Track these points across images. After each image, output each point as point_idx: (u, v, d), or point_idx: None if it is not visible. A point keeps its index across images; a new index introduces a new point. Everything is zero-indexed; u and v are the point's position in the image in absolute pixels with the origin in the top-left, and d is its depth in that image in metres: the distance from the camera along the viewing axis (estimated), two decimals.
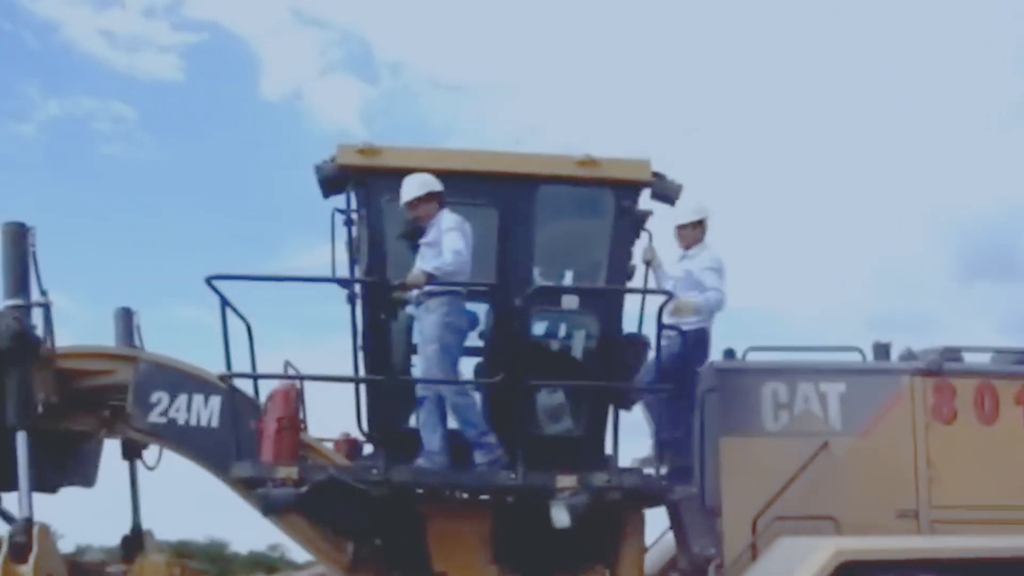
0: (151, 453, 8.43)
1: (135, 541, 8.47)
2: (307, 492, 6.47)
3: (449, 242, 6.96)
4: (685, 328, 7.62)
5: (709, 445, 7.51)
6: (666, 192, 7.52)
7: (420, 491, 7.03)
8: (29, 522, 6.85)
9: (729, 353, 8.08)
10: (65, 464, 8.06)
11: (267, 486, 6.58)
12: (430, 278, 6.86)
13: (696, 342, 7.67)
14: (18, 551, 6.71)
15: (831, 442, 7.45)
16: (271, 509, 6.61)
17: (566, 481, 6.72)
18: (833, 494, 7.32)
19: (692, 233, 7.95)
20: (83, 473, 8.31)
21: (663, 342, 7.21)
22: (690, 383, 7.38)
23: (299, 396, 7.05)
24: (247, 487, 6.88)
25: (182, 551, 16.56)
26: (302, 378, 7.10)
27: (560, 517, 6.58)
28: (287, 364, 7.59)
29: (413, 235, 7.25)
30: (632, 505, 7.32)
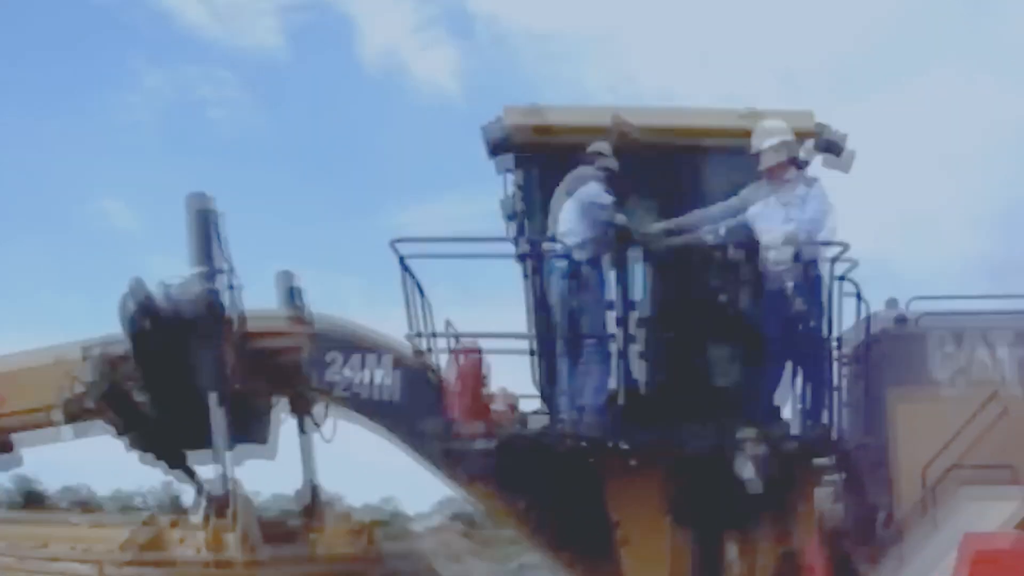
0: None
1: (310, 497, 8.78)
2: (496, 448, 6.65)
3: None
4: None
5: (876, 397, 7.54)
6: (832, 144, 7.46)
7: (602, 447, 7.16)
8: (227, 479, 7.14)
9: (892, 303, 8.07)
10: (241, 423, 8.38)
11: (456, 443, 6.76)
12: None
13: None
14: (218, 507, 7.01)
15: (1002, 391, 7.41)
16: (461, 464, 6.81)
17: (746, 433, 6.80)
18: (1007, 444, 7.27)
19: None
20: (258, 431, 8.62)
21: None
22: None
23: (482, 356, 7.22)
24: (436, 443, 7.07)
25: None
26: (481, 336, 7.26)
27: (744, 469, 6.67)
28: (447, 323, 7.78)
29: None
30: (805, 457, 7.37)
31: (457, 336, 7.39)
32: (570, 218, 7.07)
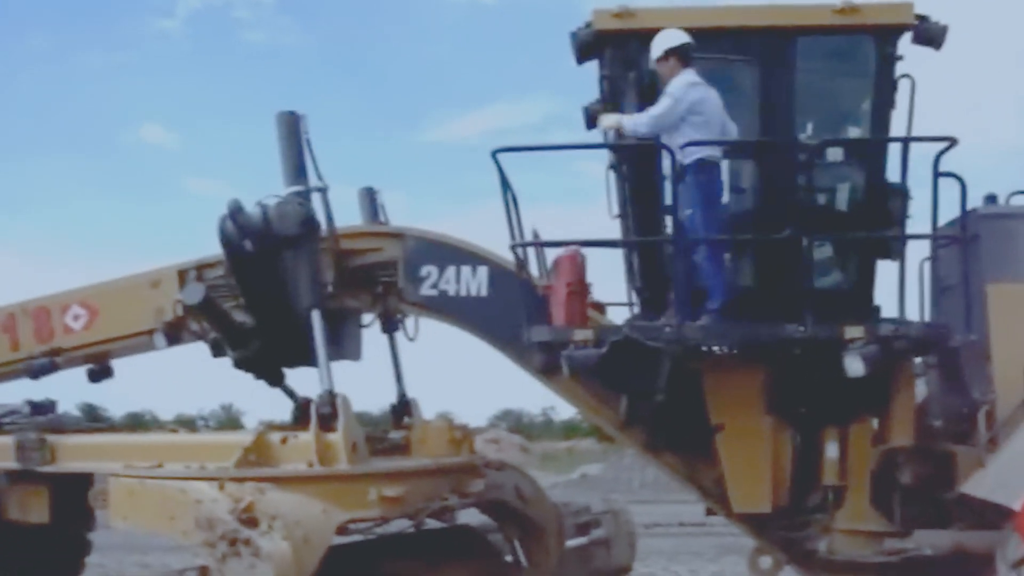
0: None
1: (403, 409, 8.92)
2: (606, 352, 6.68)
3: (657, 105, 7.05)
4: None
5: (976, 292, 7.47)
6: (930, 35, 7.30)
7: (708, 348, 7.19)
8: (332, 393, 7.24)
9: (991, 199, 7.96)
10: (335, 340, 8.48)
11: (567, 348, 6.81)
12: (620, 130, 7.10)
13: None
14: (325, 421, 7.11)
15: None
16: (575, 370, 6.86)
17: (854, 332, 6.78)
18: None
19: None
20: (351, 348, 8.73)
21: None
22: None
23: (584, 261, 7.22)
24: (544, 351, 7.12)
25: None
26: (583, 243, 7.25)
27: (855, 367, 6.66)
28: (535, 232, 7.78)
29: (646, 94, 7.26)
30: (912, 354, 7.36)
31: (556, 244, 7.39)
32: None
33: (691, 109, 7.05)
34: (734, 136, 7.32)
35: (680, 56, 7.17)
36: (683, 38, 7.14)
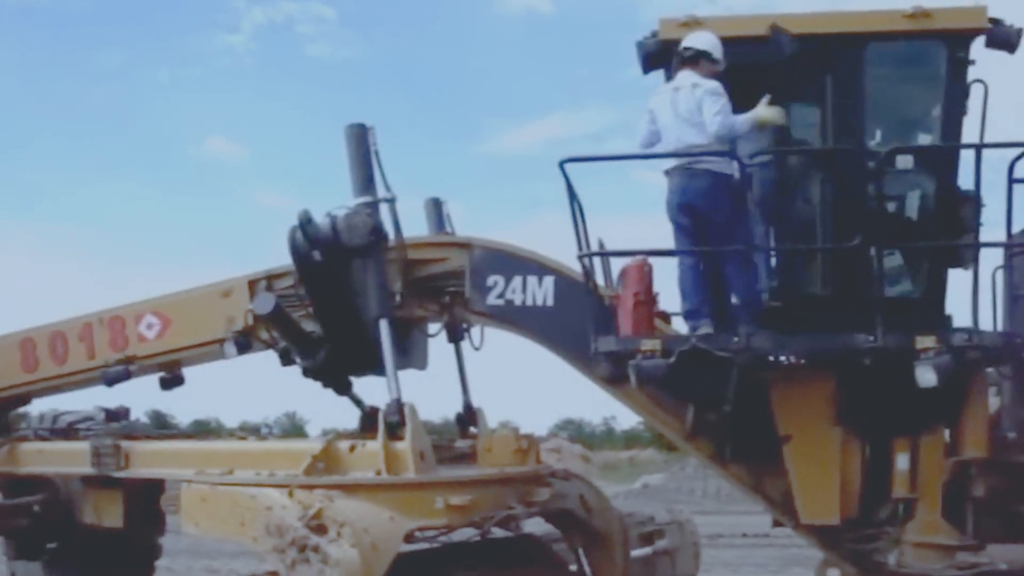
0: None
1: (468, 418, 8.97)
2: (675, 362, 6.66)
3: (723, 106, 6.99)
4: None
5: None
6: (1005, 38, 7.18)
7: (776, 358, 7.13)
8: (400, 402, 7.30)
9: None
10: (402, 349, 8.56)
11: (635, 359, 6.80)
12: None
13: None
14: (393, 429, 7.17)
15: None
16: (643, 380, 6.84)
17: (926, 342, 6.68)
18: None
19: None
20: (418, 357, 8.81)
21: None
22: None
23: (651, 271, 7.21)
24: (611, 361, 7.12)
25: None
26: (650, 253, 7.25)
27: (926, 377, 6.56)
28: (600, 242, 7.78)
29: None
30: (985, 365, 7.23)
31: (623, 254, 7.39)
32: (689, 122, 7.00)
33: None
34: None
35: (710, 61, 7.15)
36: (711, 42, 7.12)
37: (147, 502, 9.06)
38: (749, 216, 7.15)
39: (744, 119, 6.98)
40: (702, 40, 7.17)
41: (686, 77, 7.13)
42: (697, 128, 6.99)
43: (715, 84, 7.03)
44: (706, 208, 6.99)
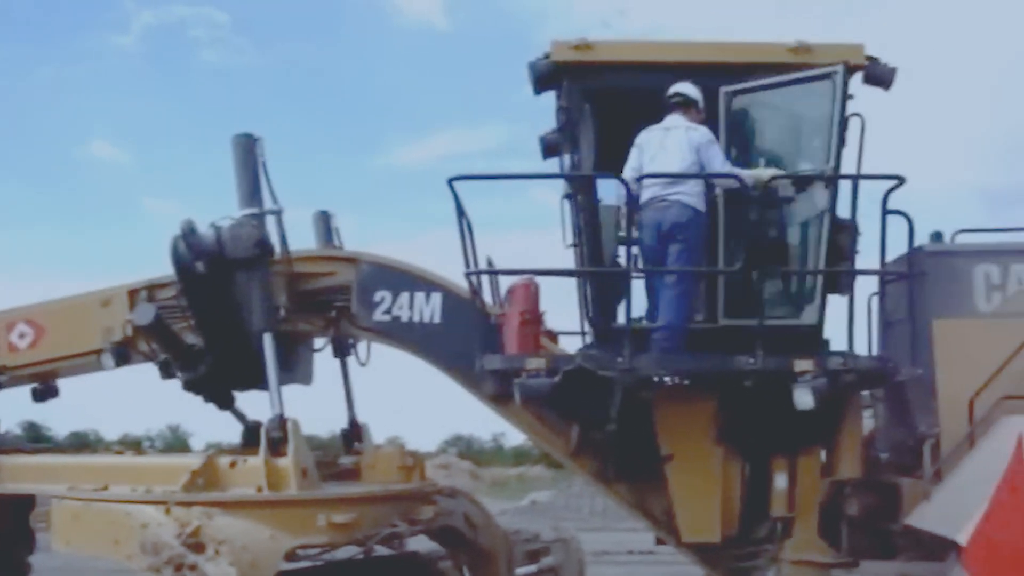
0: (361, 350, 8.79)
1: (353, 434, 8.88)
2: (560, 381, 6.71)
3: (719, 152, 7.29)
4: None
5: (922, 327, 7.61)
6: (880, 75, 7.45)
7: (659, 379, 7.24)
8: (283, 418, 7.19)
9: (937, 236, 8.13)
10: (287, 364, 8.43)
11: (519, 377, 6.82)
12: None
13: None
14: (276, 445, 7.06)
15: None
16: (527, 398, 6.87)
17: (803, 365, 6.86)
18: None
19: None
20: (302, 372, 8.69)
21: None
22: None
23: (537, 291, 7.25)
24: (496, 379, 7.14)
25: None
26: (537, 272, 7.29)
27: (803, 399, 6.73)
28: (489, 260, 7.80)
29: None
30: (861, 388, 7.46)
31: (510, 272, 7.43)
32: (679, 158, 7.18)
33: None
34: None
35: (697, 110, 7.43)
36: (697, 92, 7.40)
37: (16, 519, 8.69)
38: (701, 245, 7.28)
39: (748, 174, 7.22)
40: (690, 89, 7.38)
41: (677, 120, 7.34)
42: (684, 166, 7.21)
43: (709, 133, 7.27)
44: (675, 235, 7.15)
